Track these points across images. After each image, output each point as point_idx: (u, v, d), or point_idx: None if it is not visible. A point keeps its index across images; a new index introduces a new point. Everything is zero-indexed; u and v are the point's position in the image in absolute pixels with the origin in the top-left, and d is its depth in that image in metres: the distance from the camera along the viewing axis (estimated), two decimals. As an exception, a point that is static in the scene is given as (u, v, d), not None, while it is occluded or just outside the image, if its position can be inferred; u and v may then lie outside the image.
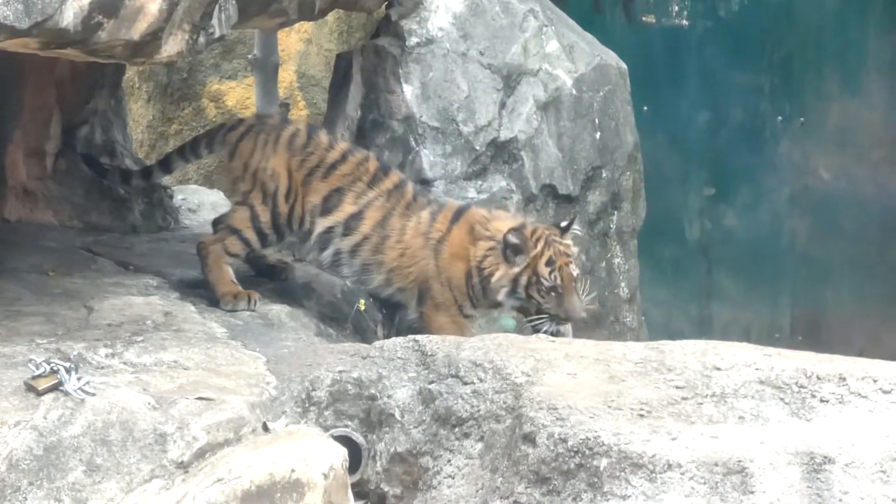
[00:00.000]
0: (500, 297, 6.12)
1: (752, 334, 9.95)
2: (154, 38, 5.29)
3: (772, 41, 10.32)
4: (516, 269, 6.06)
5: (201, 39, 5.53)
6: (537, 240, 6.08)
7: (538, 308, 6.07)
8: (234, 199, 6.55)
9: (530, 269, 6.05)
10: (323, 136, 6.44)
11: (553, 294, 6.04)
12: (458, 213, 6.26)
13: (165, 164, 6.93)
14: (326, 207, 6.33)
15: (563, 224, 6.26)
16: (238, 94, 10.34)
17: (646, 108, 9.25)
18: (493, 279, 6.09)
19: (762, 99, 10.34)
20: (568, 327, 6.13)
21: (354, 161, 6.37)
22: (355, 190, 6.33)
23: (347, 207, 6.32)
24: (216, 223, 6.62)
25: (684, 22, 10.40)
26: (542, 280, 6.03)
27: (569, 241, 6.20)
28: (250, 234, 6.37)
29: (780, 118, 10.27)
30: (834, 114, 10.34)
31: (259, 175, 6.36)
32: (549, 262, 6.05)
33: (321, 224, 6.34)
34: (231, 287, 6.25)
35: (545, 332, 5.80)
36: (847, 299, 10.42)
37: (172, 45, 5.39)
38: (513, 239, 6.03)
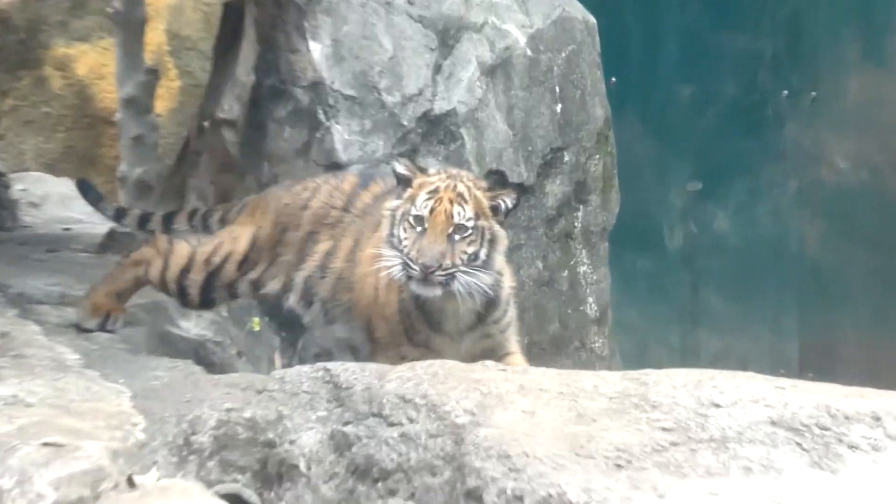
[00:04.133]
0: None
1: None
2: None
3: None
4: (398, 202, 5.92)
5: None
6: (436, 176, 5.96)
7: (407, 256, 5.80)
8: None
9: (409, 201, 5.88)
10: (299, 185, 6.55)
11: (418, 228, 5.83)
12: None
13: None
14: (301, 257, 6.39)
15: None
16: (91, 60, 10.32)
17: (614, 79, 9.29)
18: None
19: (762, 70, 10.47)
20: None
21: (328, 189, 6.41)
22: (329, 221, 6.37)
23: (322, 246, 6.35)
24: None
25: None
26: (412, 208, 5.84)
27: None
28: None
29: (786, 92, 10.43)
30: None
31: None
32: (432, 192, 5.87)
33: (299, 276, 6.37)
34: (103, 301, 6.32)
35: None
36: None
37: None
38: (400, 169, 5.94)
